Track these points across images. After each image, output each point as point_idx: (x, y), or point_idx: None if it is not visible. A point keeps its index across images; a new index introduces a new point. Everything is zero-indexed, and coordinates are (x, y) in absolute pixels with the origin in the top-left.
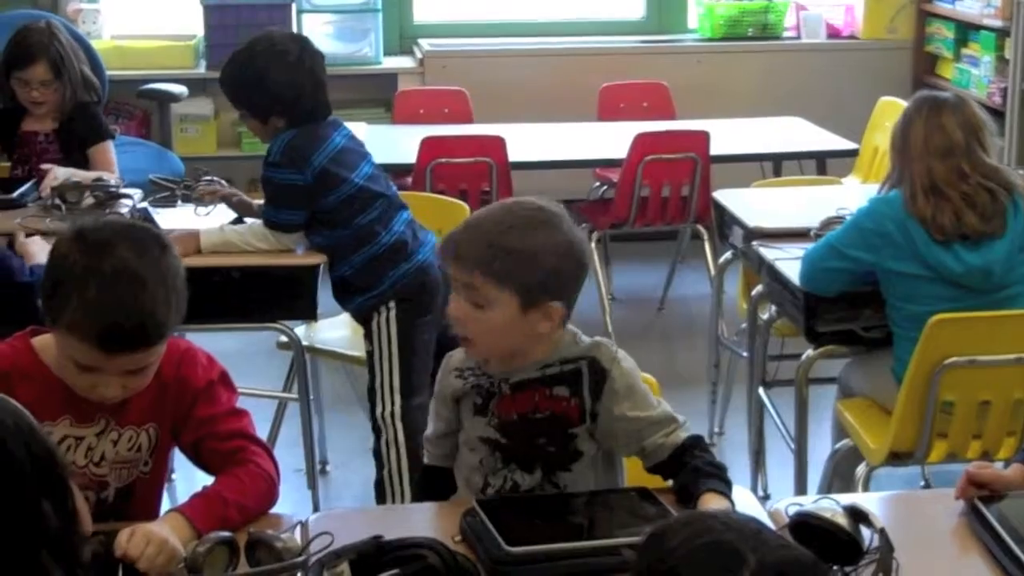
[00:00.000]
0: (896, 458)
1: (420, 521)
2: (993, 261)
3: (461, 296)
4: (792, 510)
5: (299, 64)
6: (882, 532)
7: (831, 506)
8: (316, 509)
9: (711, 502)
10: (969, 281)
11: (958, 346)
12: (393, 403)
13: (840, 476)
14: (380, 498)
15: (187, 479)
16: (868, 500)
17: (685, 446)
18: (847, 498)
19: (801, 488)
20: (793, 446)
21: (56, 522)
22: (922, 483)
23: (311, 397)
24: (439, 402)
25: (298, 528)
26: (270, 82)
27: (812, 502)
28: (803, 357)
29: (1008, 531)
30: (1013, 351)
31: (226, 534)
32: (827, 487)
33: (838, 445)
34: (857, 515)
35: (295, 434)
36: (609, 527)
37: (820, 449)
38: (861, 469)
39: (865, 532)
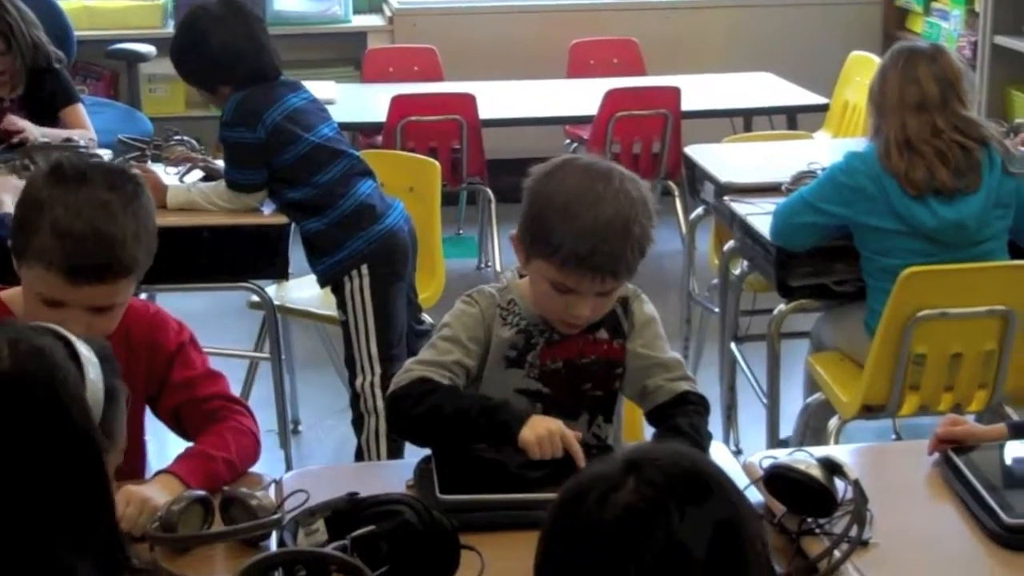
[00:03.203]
0: (868, 411)
1: (394, 478)
2: (967, 216)
3: (590, 299)
4: (767, 463)
5: (233, 29)
6: (856, 484)
7: (805, 458)
8: (289, 469)
9: None
10: (943, 235)
11: (930, 299)
12: (373, 373)
13: (812, 430)
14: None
15: (158, 450)
16: (842, 452)
17: (682, 399)
18: (821, 450)
19: (773, 442)
20: (765, 400)
21: (85, 507)
22: (893, 436)
23: (282, 357)
24: (470, 333)
25: (272, 486)
26: (206, 51)
27: (786, 455)
28: (775, 312)
29: (980, 480)
30: (984, 303)
31: (200, 492)
32: (799, 441)
33: (810, 399)
34: (831, 467)
35: (266, 394)
36: (555, 482)
37: (792, 403)
38: (833, 422)
39: (839, 484)
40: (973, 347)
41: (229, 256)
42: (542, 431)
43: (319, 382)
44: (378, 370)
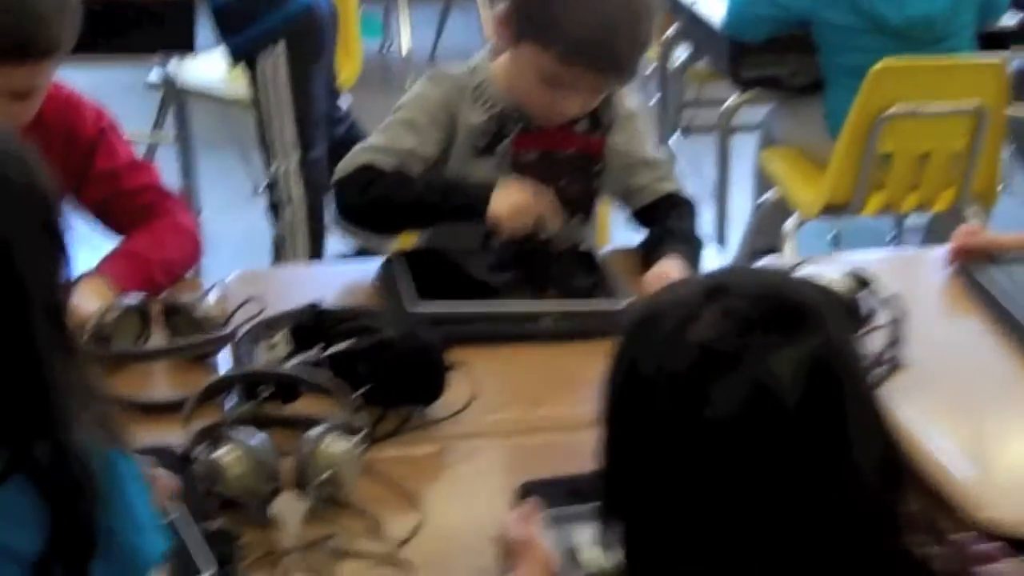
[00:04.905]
0: (829, 211)
1: (354, 281)
2: (934, 10)
3: (582, 96)
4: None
5: None
6: (893, 299)
7: (825, 270)
8: None
9: (668, 267)
10: (909, 31)
11: (901, 95)
12: (289, 158)
13: (761, 230)
14: (277, 258)
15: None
16: (844, 260)
17: (670, 200)
18: (834, 259)
19: (722, 243)
20: (714, 197)
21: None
22: (832, 233)
23: None
24: (429, 117)
25: (215, 291)
26: None
27: (798, 263)
28: (727, 103)
29: (1002, 295)
30: (955, 101)
31: (136, 299)
32: (750, 241)
33: (763, 197)
34: (858, 280)
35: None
36: (537, 290)
37: (734, 201)
38: (791, 223)
39: (864, 298)
40: (943, 146)
41: (128, 28)
42: (510, 204)
43: (218, 169)
44: (295, 155)
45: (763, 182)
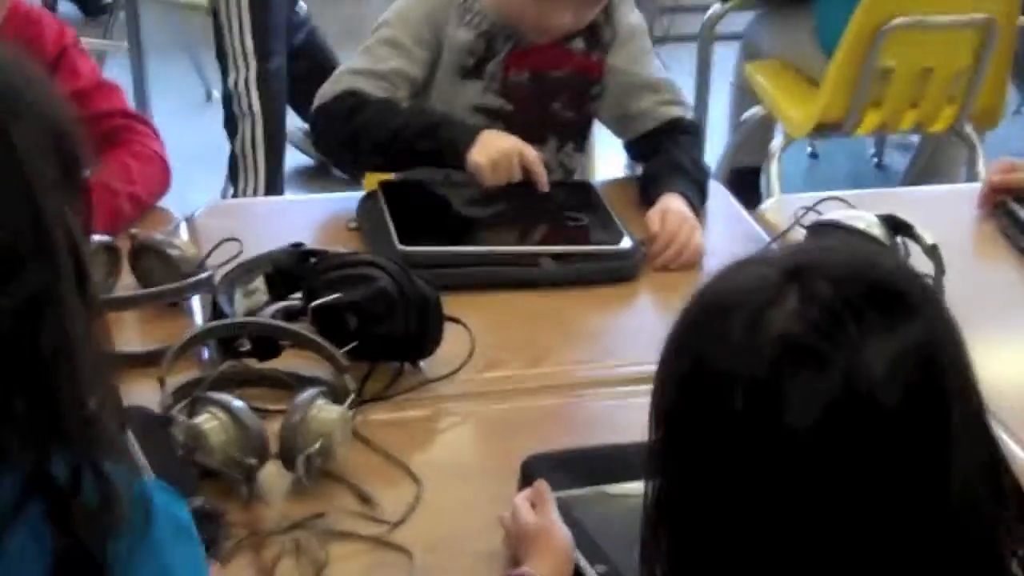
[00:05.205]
0: (820, 129)
1: (331, 215)
2: None
3: (574, 6)
4: (807, 218)
5: None
6: (934, 251)
7: (859, 215)
8: None
9: (672, 203)
10: None
11: (903, 7)
12: (248, 68)
13: (742, 148)
14: (233, 174)
15: None
16: (868, 199)
17: (673, 126)
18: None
19: None
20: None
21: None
22: (809, 149)
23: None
24: (414, 35)
25: (183, 225)
26: None
27: (819, 201)
28: (710, 11)
29: None
30: (963, 13)
31: (104, 238)
32: (731, 159)
33: (748, 114)
34: (896, 226)
35: None
36: (532, 230)
37: (712, 117)
38: (778, 142)
39: (900, 244)
40: (947, 61)
41: None
42: (495, 152)
43: (168, 75)
44: (254, 65)
45: (744, 97)
